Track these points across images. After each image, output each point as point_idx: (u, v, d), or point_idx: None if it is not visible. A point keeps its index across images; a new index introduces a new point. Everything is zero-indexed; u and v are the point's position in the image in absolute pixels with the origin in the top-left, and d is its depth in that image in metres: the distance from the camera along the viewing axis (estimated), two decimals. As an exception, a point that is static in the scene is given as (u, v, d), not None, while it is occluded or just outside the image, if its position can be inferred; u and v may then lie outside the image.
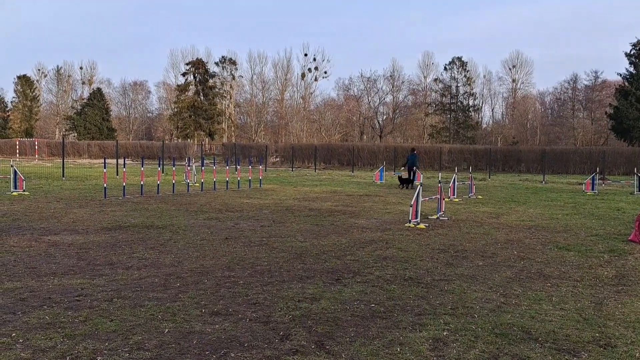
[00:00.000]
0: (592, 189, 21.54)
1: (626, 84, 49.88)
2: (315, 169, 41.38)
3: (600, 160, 36.11)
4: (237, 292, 5.53)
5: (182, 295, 5.36)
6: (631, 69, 49.40)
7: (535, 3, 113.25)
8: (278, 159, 49.36)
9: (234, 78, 75.14)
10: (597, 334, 4.51)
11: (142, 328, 4.40)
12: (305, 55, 75.79)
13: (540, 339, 4.36)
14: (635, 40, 48.81)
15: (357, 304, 5.24)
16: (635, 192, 21.23)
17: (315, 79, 75.99)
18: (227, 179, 20.16)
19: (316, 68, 75.33)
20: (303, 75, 75.60)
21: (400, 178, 22.16)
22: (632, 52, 48.98)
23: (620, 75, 50.72)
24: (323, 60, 75.72)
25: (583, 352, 4.10)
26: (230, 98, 75.35)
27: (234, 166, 30.26)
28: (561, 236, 9.81)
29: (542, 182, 28.44)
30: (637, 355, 4.06)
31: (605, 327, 4.70)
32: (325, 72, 75.77)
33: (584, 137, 66.41)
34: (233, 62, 74.31)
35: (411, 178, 22.20)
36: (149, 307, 4.94)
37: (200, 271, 6.44)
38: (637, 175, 22.02)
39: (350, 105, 73.99)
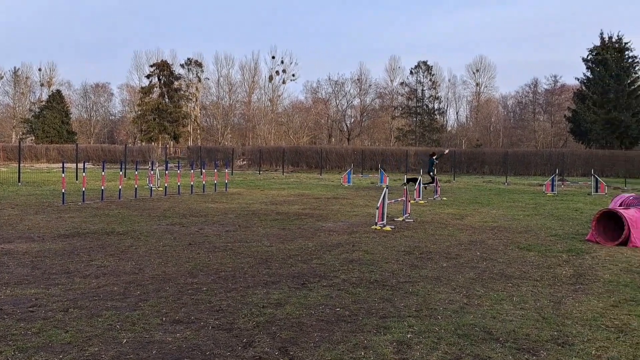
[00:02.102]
0: (552, 190, 22.19)
1: (584, 88, 51.71)
2: (283, 171, 41.24)
3: (559, 162, 37.30)
4: (200, 299, 5.42)
5: (142, 304, 5.21)
6: (588, 74, 51.24)
7: (499, 9, 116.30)
8: (245, 162, 48.96)
9: (199, 80, 74.11)
10: (555, 333, 4.61)
11: (99, 339, 4.25)
12: (273, 57, 75.50)
13: (501, 338, 4.43)
14: (592, 46, 50.74)
15: (322, 308, 5.21)
16: (593, 193, 21.99)
17: (284, 82, 75.83)
18: (192, 183, 19.85)
19: (284, 71, 75.17)
20: (271, 78, 75.30)
21: (408, 179, 23.61)
22: (589, 57, 50.83)
23: (578, 79, 52.61)
24: (291, 63, 75.61)
25: (542, 351, 4.17)
26: (196, 100, 74.26)
27: (199, 170, 29.84)
28: (522, 237, 10.05)
29: (504, 183, 29.14)
30: (593, 352, 4.16)
31: (563, 325, 4.81)
32: (294, 75, 75.68)
33: (544, 140, 68.51)
34: (199, 64, 73.33)
35: (432, 181, 22.25)
36: (107, 317, 4.78)
37: (162, 278, 6.28)
38: (594, 176, 22.82)
39: (318, 108, 74.10)
